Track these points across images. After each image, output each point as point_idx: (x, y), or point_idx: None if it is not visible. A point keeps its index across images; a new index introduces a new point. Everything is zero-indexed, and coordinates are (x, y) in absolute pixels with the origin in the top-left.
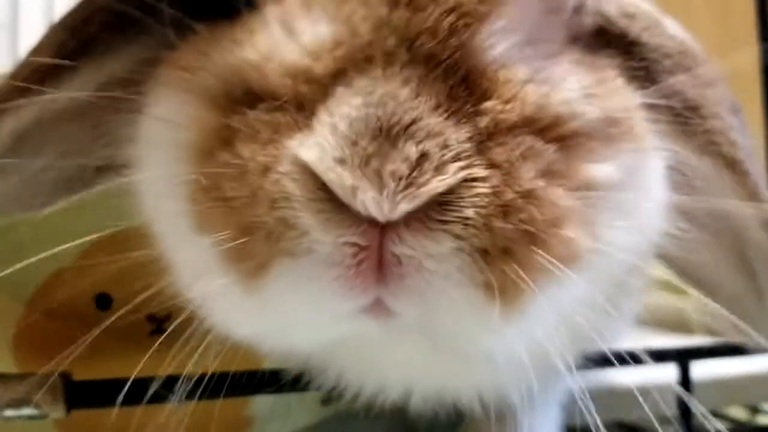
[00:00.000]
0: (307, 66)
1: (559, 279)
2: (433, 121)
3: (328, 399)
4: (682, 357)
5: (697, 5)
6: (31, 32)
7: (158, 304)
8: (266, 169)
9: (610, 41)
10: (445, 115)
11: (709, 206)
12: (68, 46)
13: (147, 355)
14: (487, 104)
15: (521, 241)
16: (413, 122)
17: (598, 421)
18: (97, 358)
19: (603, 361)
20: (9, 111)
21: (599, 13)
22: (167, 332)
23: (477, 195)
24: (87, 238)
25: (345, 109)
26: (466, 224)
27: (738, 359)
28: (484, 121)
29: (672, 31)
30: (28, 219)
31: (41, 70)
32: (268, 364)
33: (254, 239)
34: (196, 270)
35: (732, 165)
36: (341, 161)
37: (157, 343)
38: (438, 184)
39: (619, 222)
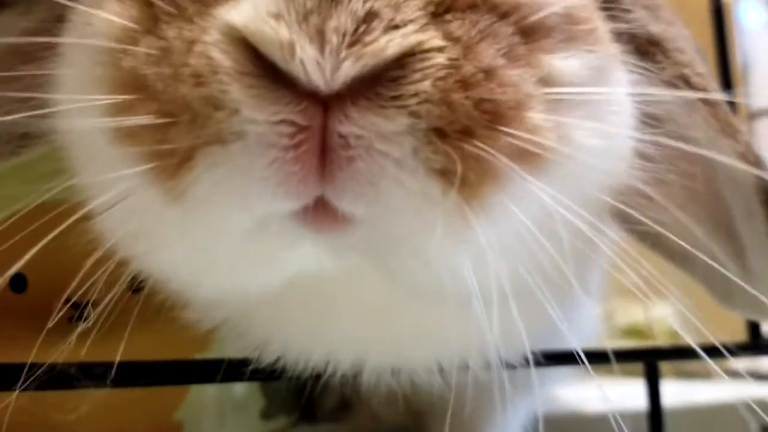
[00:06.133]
0: None
1: (528, 167)
2: None
3: (268, 414)
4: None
5: None
6: None
7: (78, 288)
8: (191, 43)
9: None
10: None
11: (680, 144)
12: None
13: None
14: None
15: (483, 120)
16: None
17: None
18: (9, 344)
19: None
20: None
21: None
22: (87, 319)
23: (433, 66)
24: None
25: None
26: (421, 99)
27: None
28: None
29: None
30: None
31: None
32: (200, 354)
33: (177, 125)
34: (114, 184)
35: (702, 96)
36: (276, 16)
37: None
38: (387, 44)
39: (586, 123)
